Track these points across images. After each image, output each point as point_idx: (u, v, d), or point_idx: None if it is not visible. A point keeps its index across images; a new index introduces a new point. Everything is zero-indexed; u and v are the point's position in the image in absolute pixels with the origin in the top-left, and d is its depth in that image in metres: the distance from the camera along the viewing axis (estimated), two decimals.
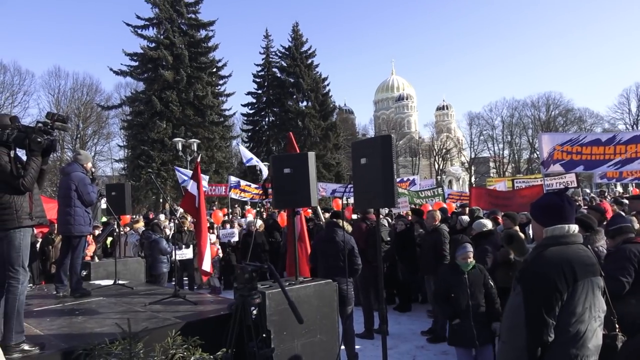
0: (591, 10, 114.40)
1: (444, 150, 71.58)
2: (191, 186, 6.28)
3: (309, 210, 11.03)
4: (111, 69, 35.41)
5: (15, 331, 3.46)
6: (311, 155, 4.73)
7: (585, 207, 9.65)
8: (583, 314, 2.14)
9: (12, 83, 43.37)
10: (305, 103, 44.45)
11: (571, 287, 2.13)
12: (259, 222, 11.86)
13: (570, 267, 2.16)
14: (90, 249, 8.57)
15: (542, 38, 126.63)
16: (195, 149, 24.53)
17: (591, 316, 2.16)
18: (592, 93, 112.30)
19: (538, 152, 59.21)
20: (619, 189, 26.39)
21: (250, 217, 13.19)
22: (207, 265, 5.94)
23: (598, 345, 2.21)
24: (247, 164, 19.18)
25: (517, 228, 6.09)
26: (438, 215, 7.98)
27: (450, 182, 74.35)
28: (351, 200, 12.66)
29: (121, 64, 35.72)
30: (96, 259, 7.85)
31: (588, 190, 27.87)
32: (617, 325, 2.79)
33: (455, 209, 12.12)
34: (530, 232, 7.14)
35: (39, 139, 3.57)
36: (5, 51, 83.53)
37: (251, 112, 46.74)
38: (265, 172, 18.54)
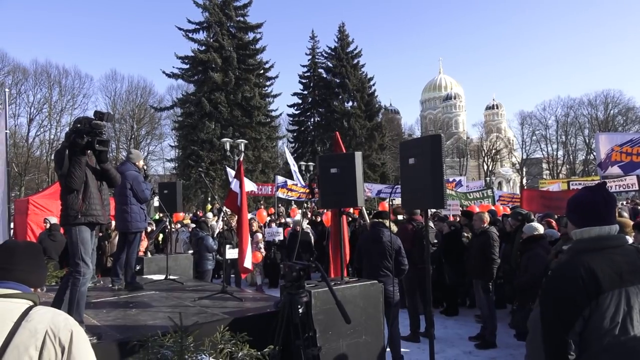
0: None
1: (493, 151, 69.31)
2: (234, 185, 6.40)
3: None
4: (164, 72, 36.81)
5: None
6: (358, 155, 4.71)
7: None
8: (610, 329, 1.86)
9: (73, 86, 46.19)
10: (350, 103, 44.40)
11: (594, 301, 1.85)
12: (305, 222, 11.96)
13: (594, 278, 1.86)
14: (143, 244, 8.91)
15: (599, 38, 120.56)
16: (243, 149, 25.01)
17: (626, 331, 1.87)
18: None
19: (595, 153, 56.24)
20: None
21: (298, 216, 13.30)
22: (248, 263, 6.04)
23: None
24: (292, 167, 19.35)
25: None
26: (486, 217, 7.73)
27: (500, 183, 71.98)
28: (396, 202, 12.48)
29: (173, 67, 37.15)
30: (149, 255, 8.16)
31: None
32: None
33: (506, 211, 11.71)
34: None
35: (78, 140, 3.70)
36: (66, 55, 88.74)
37: (297, 112, 47.20)
38: (300, 180, 18.60)
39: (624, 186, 15.18)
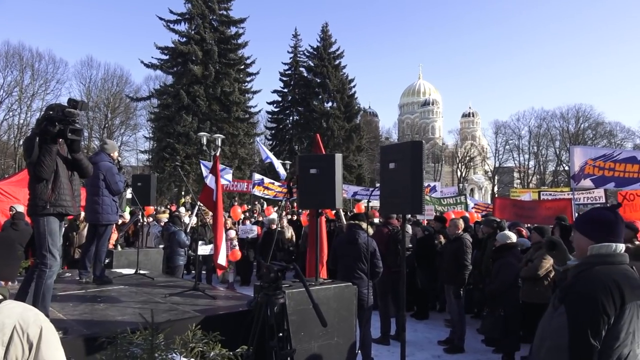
0: (626, 25, 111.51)
1: (467, 158, 70.57)
2: (210, 180, 6.31)
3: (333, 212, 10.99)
4: (142, 62, 36.17)
5: None
6: (338, 157, 4.71)
7: None
8: (626, 339, 2.04)
9: (47, 71, 44.81)
10: (330, 104, 44.49)
11: (618, 311, 2.02)
12: (277, 220, 11.90)
13: (619, 288, 2.04)
14: (113, 237, 8.71)
15: (574, 51, 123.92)
16: (220, 144, 24.76)
17: (634, 341, 2.06)
18: (624, 108, 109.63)
19: (565, 165, 57.63)
20: None
21: (274, 215, 13.23)
22: (222, 259, 5.96)
23: None
24: (266, 161, 19.30)
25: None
26: (461, 223, 7.85)
27: (472, 190, 73.28)
28: (372, 204, 12.54)
29: (152, 57, 36.49)
30: (119, 248, 7.98)
31: None
32: None
33: (478, 219, 11.92)
34: None
35: (50, 128, 3.58)
36: (40, 39, 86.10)
37: (276, 110, 47.05)
38: (281, 171, 18.60)
39: (591, 198, 15.67)
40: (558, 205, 9.62)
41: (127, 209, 13.00)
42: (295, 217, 13.84)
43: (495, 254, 6.36)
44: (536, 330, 2.42)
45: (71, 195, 3.90)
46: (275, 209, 17.15)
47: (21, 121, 42.87)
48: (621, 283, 2.06)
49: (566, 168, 50.33)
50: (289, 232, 11.77)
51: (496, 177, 68.09)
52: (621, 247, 2.19)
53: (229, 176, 16.73)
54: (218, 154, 20.61)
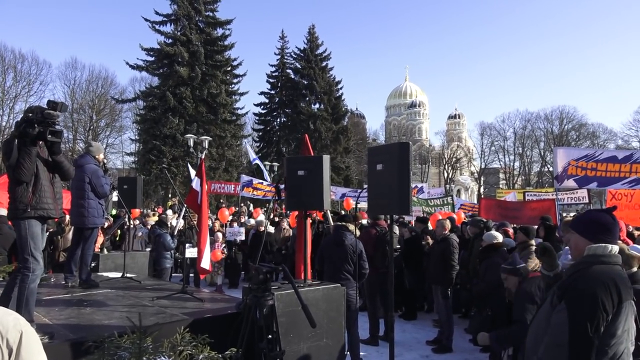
0: (609, 26, 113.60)
1: (454, 159, 71.22)
2: (195, 183, 6.28)
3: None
4: (127, 63, 35.79)
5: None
6: (326, 159, 4.73)
7: None
8: (621, 336, 2.11)
9: (30, 72, 43.96)
10: (317, 105, 44.52)
11: (616, 308, 2.10)
12: (265, 222, 11.88)
13: (616, 287, 2.12)
14: (99, 240, 8.62)
15: (557, 52, 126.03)
16: (207, 146, 24.63)
17: (628, 339, 2.14)
18: (606, 109, 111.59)
19: (549, 166, 58.38)
20: None
21: (261, 217, 13.20)
22: (205, 263, 5.92)
23: None
24: (253, 163, 19.29)
25: (533, 242, 6.02)
26: (448, 224, 7.92)
27: (459, 191, 73.93)
28: (360, 205, 12.58)
29: (137, 59, 36.11)
30: (105, 251, 7.90)
31: (599, 207, 27.60)
32: None
33: (465, 219, 12.02)
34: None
35: (29, 130, 3.54)
36: (23, 40, 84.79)
37: (263, 112, 46.92)
38: (265, 173, 18.61)
39: (575, 199, 15.93)
40: (542, 206, 9.77)
41: (113, 212, 12.87)
42: (277, 219, 13.80)
43: (482, 254, 6.41)
44: (528, 328, 2.47)
45: (53, 198, 3.86)
46: (263, 210, 17.12)
47: (3, 123, 42.01)
48: (618, 282, 2.14)
49: (550, 169, 51.01)
50: (288, 232, 11.63)
51: (482, 178, 68.80)
52: (616, 248, 2.28)
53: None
54: (204, 156, 20.52)
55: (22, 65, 43.36)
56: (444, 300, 7.00)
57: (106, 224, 9.38)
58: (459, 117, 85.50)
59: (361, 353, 5.90)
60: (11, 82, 42.88)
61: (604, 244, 2.26)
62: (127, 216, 8.27)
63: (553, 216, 8.56)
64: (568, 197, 15.56)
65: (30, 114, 3.61)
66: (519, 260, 4.24)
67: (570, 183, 8.66)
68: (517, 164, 67.77)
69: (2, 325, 1.56)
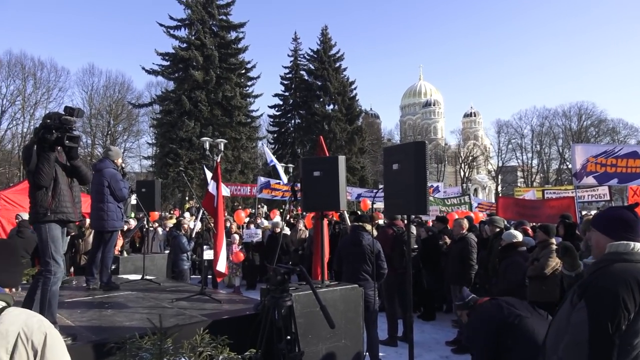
0: (630, 23, 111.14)
1: (470, 158, 70.43)
2: (211, 186, 6.32)
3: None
4: (143, 68, 36.17)
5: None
6: (341, 159, 4.72)
7: None
8: None
9: (49, 79, 44.98)
10: (331, 106, 44.44)
11: (638, 307, 2.03)
12: (282, 223, 11.91)
13: (638, 285, 2.05)
14: (119, 243, 8.75)
15: (575, 49, 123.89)
16: (222, 149, 24.81)
17: None
18: (627, 104, 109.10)
19: (568, 163, 57.42)
20: None
21: (277, 218, 13.24)
22: (221, 266, 5.94)
23: None
24: (270, 164, 19.35)
25: (553, 240, 5.92)
26: (465, 223, 7.85)
27: (475, 190, 73.12)
28: (376, 205, 12.54)
29: (153, 64, 36.46)
30: (124, 254, 8.01)
31: (620, 204, 27.03)
32: None
33: (483, 217, 11.89)
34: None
35: (47, 135, 3.62)
36: (42, 48, 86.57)
37: (278, 113, 47.05)
38: (282, 175, 18.62)
39: (596, 196, 15.63)
40: (562, 204, 9.60)
41: (132, 215, 13.04)
42: (292, 221, 13.84)
43: (501, 253, 6.33)
44: (548, 328, 2.41)
45: (71, 202, 3.94)
46: (280, 211, 17.18)
47: (25, 130, 43.03)
48: None
49: (569, 166, 50.11)
50: (304, 234, 11.65)
51: (499, 177, 67.90)
52: (639, 245, 2.20)
53: (225, 190, 16.43)
54: (219, 159, 20.64)
55: (41, 72, 44.46)
56: None
57: (125, 227, 9.51)
58: (475, 115, 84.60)
59: (380, 354, 5.87)
60: (31, 90, 43.97)
61: (625, 242, 2.19)
62: (146, 219, 8.37)
63: (573, 214, 8.40)
64: (588, 195, 15.28)
65: (49, 120, 3.69)
66: (468, 293, 4.19)
67: (590, 180, 8.50)
68: (535, 161, 66.74)
69: (27, 328, 1.59)
